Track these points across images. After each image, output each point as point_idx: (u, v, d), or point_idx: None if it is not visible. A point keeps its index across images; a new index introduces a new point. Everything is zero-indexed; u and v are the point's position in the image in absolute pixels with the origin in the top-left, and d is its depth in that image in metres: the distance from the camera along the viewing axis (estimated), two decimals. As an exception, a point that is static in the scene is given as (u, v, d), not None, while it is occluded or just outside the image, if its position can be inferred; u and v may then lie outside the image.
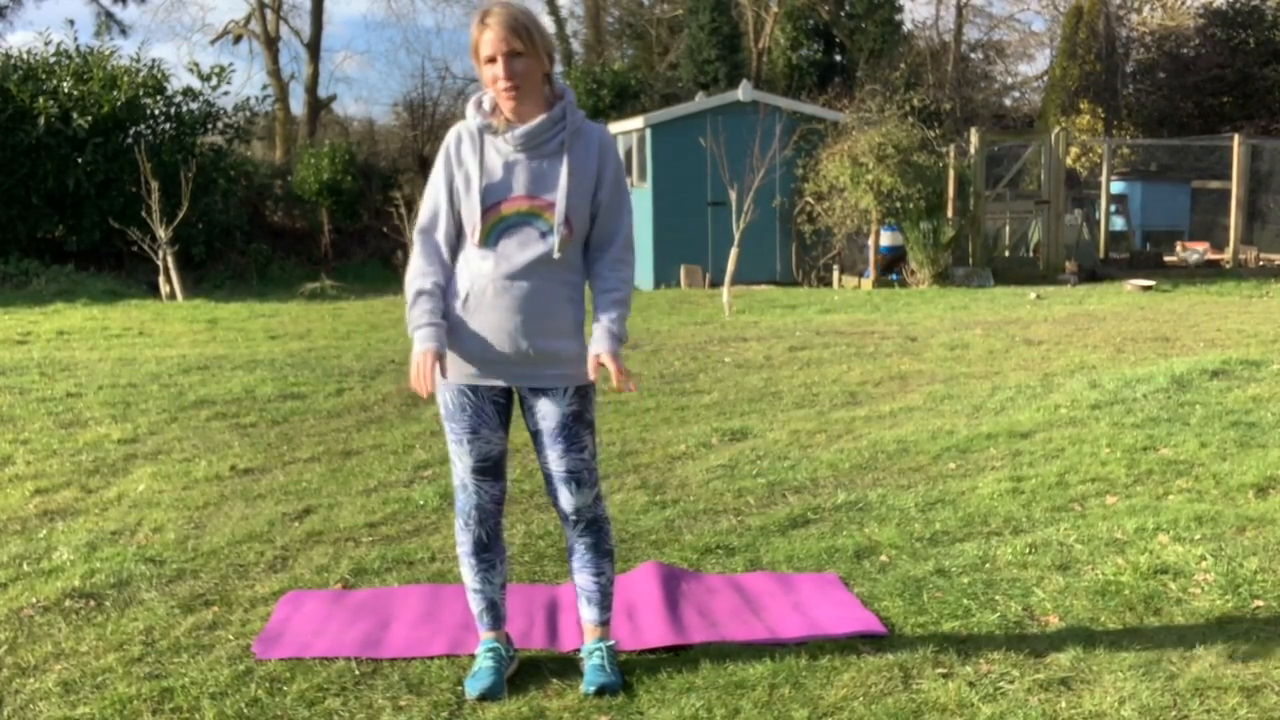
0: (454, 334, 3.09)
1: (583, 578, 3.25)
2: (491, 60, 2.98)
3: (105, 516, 4.81)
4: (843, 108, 18.05)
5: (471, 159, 3.07)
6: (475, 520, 3.20)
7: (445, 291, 3.10)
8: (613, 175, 3.13)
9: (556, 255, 3.05)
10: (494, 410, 3.15)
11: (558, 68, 3.08)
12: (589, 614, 3.25)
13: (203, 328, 11.65)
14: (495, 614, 3.26)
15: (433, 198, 3.13)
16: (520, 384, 3.12)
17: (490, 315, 3.05)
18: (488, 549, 3.23)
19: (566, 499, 3.16)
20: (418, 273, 3.11)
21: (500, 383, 3.12)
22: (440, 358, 3.02)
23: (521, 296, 3.04)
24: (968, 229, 16.21)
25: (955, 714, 2.98)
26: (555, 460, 3.14)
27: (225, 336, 10.88)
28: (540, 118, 3.03)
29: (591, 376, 3.09)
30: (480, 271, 3.06)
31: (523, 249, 3.04)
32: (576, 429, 3.12)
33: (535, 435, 3.17)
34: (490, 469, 3.17)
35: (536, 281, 3.05)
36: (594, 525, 3.21)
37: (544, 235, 3.05)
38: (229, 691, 3.14)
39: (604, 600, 3.25)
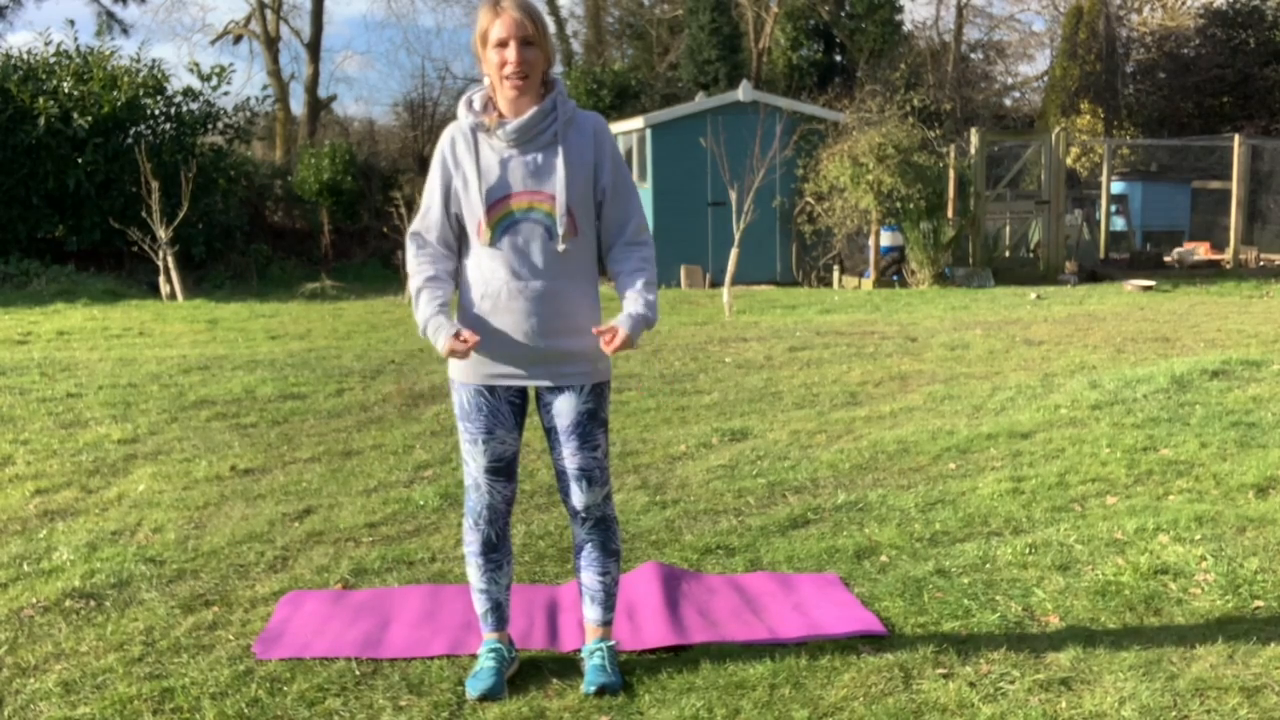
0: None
1: (588, 576, 3.25)
2: (503, 44, 2.98)
3: (105, 516, 4.81)
4: (843, 108, 18.05)
5: (468, 159, 3.07)
6: (486, 520, 3.21)
7: (443, 281, 3.10)
8: (611, 161, 3.12)
9: (561, 248, 3.04)
10: (510, 411, 3.16)
11: (557, 68, 3.10)
12: (592, 613, 3.26)
13: (203, 328, 11.65)
14: (500, 615, 3.26)
15: (427, 202, 3.14)
16: (538, 383, 3.13)
17: (506, 317, 3.06)
18: (496, 549, 3.24)
19: (577, 496, 3.17)
20: (414, 269, 3.13)
21: (518, 383, 3.12)
22: (459, 333, 2.99)
23: (536, 297, 3.05)
24: (968, 229, 16.21)
25: (955, 714, 2.98)
26: (568, 457, 3.14)
27: (225, 337, 10.88)
28: (531, 111, 3.03)
29: (605, 345, 3.00)
30: (493, 273, 3.06)
31: (530, 246, 3.05)
32: (591, 427, 3.13)
33: (549, 432, 3.18)
34: (503, 469, 3.18)
35: (550, 281, 3.06)
36: (602, 524, 3.22)
37: (549, 229, 3.05)
38: (229, 691, 3.14)
39: (608, 600, 3.25)
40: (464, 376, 3.13)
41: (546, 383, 3.12)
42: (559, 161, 3.04)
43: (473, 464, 3.18)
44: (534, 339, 3.06)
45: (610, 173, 3.12)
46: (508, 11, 2.97)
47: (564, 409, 3.13)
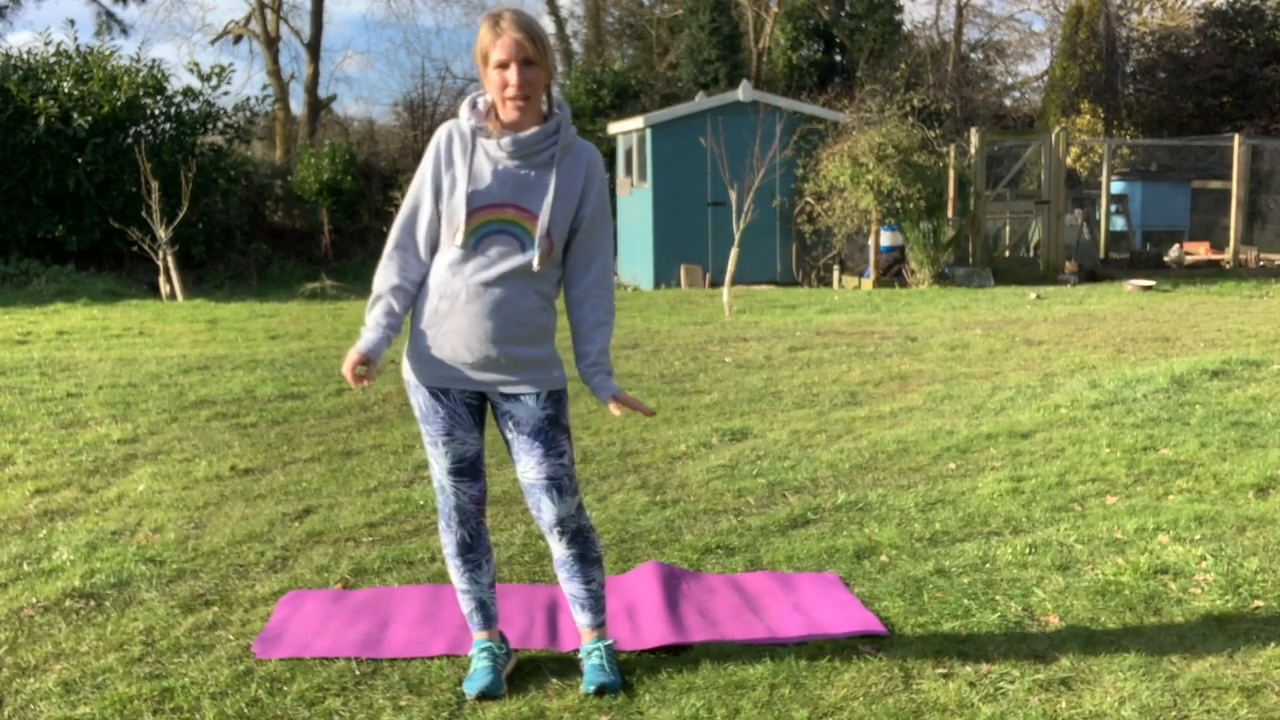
0: (426, 337, 3.09)
1: (573, 586, 3.22)
2: (503, 66, 2.97)
3: (105, 516, 4.81)
4: (843, 108, 18.05)
5: (461, 160, 3.06)
6: (457, 521, 3.20)
7: (406, 293, 3.10)
8: (597, 194, 3.12)
9: (536, 268, 3.04)
10: (467, 412, 3.14)
11: (558, 68, 3.09)
12: (583, 619, 3.24)
13: (203, 328, 11.65)
14: (485, 613, 3.25)
15: (415, 193, 3.12)
16: (491, 389, 3.11)
17: (461, 320, 3.04)
18: (472, 549, 3.23)
19: (549, 509, 3.12)
20: (381, 272, 3.11)
21: (471, 387, 3.11)
22: (366, 362, 3.05)
23: (494, 304, 3.03)
24: (968, 229, 16.21)
25: (955, 714, 2.98)
26: (534, 467, 3.10)
27: (225, 336, 10.88)
28: (534, 129, 3.03)
29: (615, 412, 3.13)
30: (456, 275, 3.04)
31: (502, 257, 3.03)
32: (553, 434, 3.10)
33: (510, 444, 3.15)
34: (467, 470, 3.16)
35: (510, 290, 3.04)
36: (579, 536, 3.18)
37: (523, 245, 3.04)
38: (229, 691, 3.14)
39: (597, 604, 3.24)
40: (418, 378, 3.12)
41: (499, 389, 3.09)
42: (550, 184, 3.04)
43: (436, 466, 3.17)
44: (487, 345, 3.04)
45: (593, 206, 3.12)
46: (507, 32, 2.95)
47: (523, 417, 3.10)
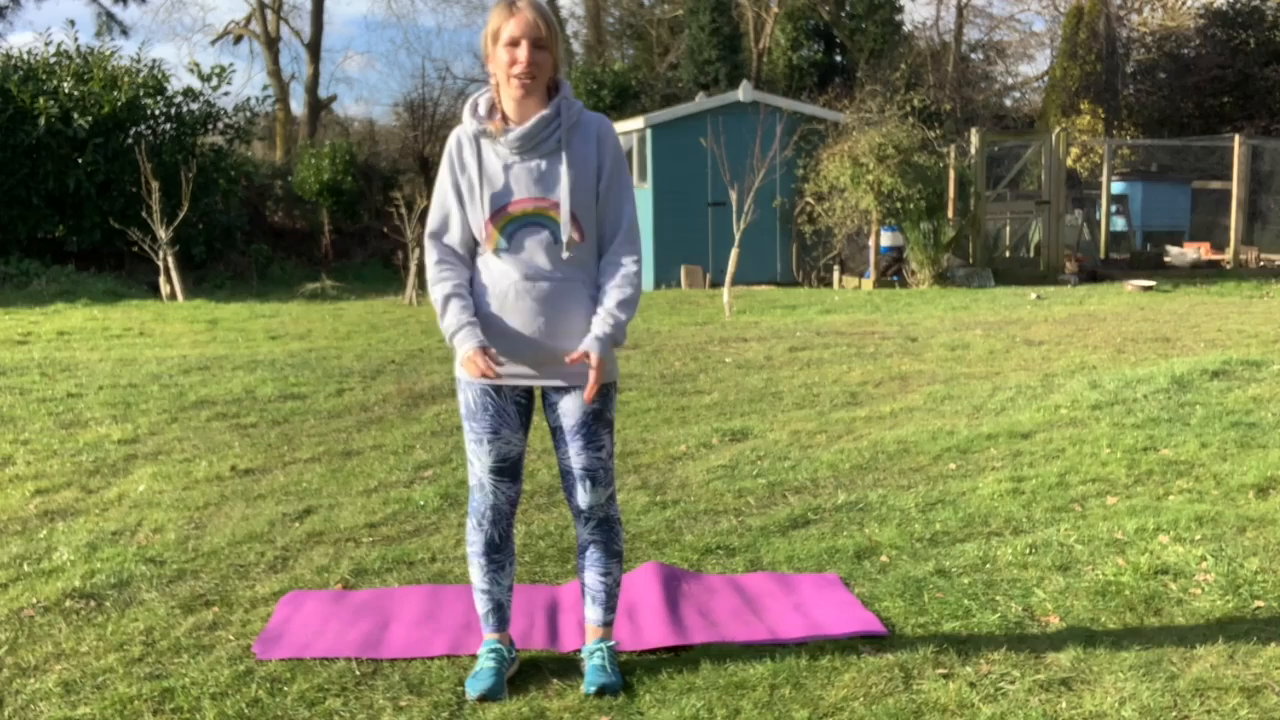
0: None
1: (590, 576, 3.25)
2: (514, 44, 2.98)
3: (105, 517, 4.81)
4: (843, 108, 18.06)
5: (473, 165, 3.07)
6: (490, 520, 3.21)
7: (467, 290, 3.10)
8: (611, 163, 3.12)
9: (565, 254, 3.05)
10: (515, 411, 3.16)
11: (563, 66, 3.09)
12: (593, 614, 3.26)
13: (203, 328, 11.65)
14: (501, 615, 3.27)
15: (441, 202, 3.14)
16: (546, 383, 3.13)
17: (513, 318, 3.07)
18: (499, 550, 3.24)
19: (581, 496, 3.17)
20: (438, 277, 3.11)
21: (525, 383, 3.13)
22: (487, 350, 3.02)
23: (542, 298, 3.05)
24: (968, 229, 16.21)
25: (955, 714, 2.98)
26: (573, 457, 3.15)
27: (225, 337, 10.88)
28: (534, 120, 3.03)
29: (570, 359, 3.03)
30: (500, 275, 3.07)
31: (536, 251, 3.05)
32: (596, 428, 3.14)
33: (555, 431, 3.19)
34: (509, 469, 3.18)
35: (556, 283, 3.06)
36: (605, 524, 3.22)
37: (554, 235, 3.06)
38: (229, 692, 3.14)
39: (609, 601, 3.26)
40: (471, 376, 3.13)
41: (554, 382, 3.12)
42: (563, 169, 3.05)
43: (478, 464, 3.18)
44: (542, 339, 3.07)
45: (609, 175, 3.12)
46: (523, 12, 2.98)
47: (570, 409, 3.13)
